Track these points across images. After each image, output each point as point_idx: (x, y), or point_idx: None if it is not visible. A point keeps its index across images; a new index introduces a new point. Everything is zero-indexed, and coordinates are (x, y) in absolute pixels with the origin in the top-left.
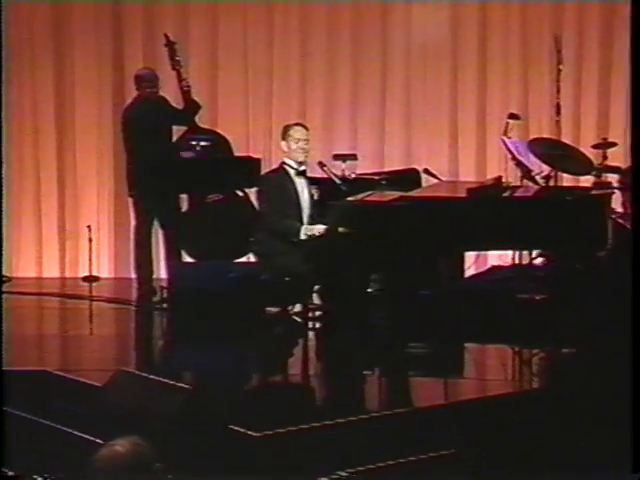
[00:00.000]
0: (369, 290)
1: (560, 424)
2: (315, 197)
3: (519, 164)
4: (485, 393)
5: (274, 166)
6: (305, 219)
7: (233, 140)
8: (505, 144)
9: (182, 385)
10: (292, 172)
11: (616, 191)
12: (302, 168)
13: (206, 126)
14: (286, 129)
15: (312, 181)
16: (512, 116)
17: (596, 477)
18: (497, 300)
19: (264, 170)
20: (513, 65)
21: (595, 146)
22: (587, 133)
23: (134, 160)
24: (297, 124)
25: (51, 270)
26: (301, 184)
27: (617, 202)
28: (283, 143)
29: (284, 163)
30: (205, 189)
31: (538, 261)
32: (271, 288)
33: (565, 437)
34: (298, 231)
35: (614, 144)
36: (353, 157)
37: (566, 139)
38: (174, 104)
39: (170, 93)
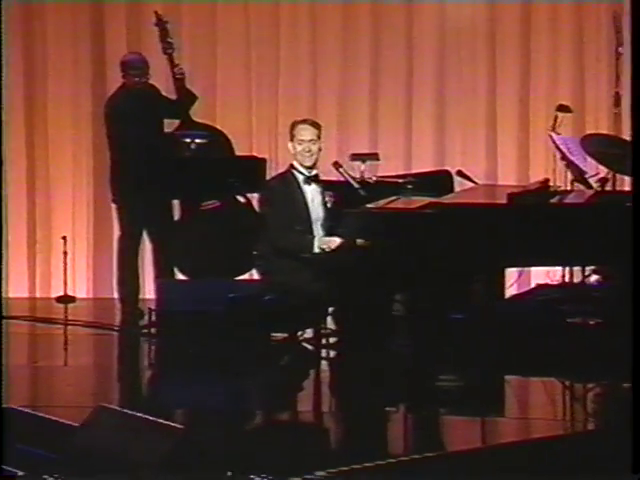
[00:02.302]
0: (392, 313)
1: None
2: (329, 205)
3: (570, 165)
4: (530, 435)
5: (281, 168)
6: (316, 232)
7: (234, 137)
8: (553, 141)
9: (173, 424)
10: (301, 178)
11: None
12: (313, 173)
13: (202, 121)
14: (292, 128)
15: (326, 186)
16: (562, 108)
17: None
18: (544, 325)
19: (270, 172)
20: (562, 48)
21: None
22: None
23: (118, 160)
24: (303, 121)
25: (19, 289)
26: (311, 192)
27: None
28: (290, 144)
29: (292, 167)
30: (201, 194)
31: (592, 279)
32: (278, 310)
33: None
34: (311, 245)
35: None
36: (374, 157)
37: (626, 135)
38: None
39: (160, 82)
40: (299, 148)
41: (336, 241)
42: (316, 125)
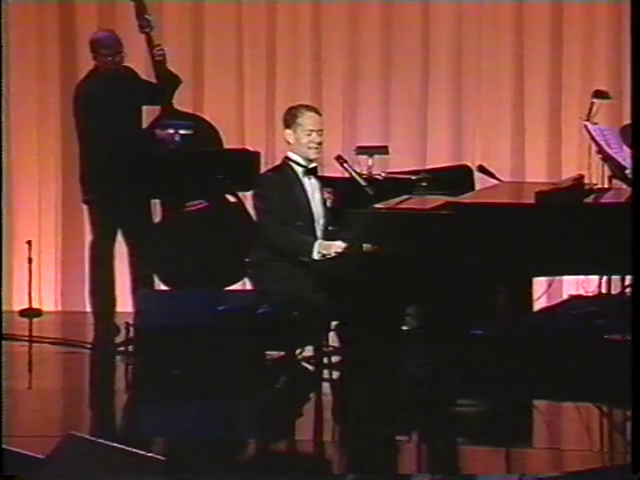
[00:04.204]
0: (403, 328)
1: None
2: (329, 203)
3: (608, 159)
4: (562, 468)
5: (278, 162)
6: (319, 232)
7: (223, 128)
8: (589, 132)
9: (152, 455)
10: (300, 170)
11: None
12: (312, 165)
13: (187, 109)
14: (293, 114)
15: (325, 182)
16: (598, 94)
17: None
18: (577, 342)
19: (264, 168)
20: (598, 26)
21: None
22: None
23: (89, 154)
24: (308, 108)
25: None
26: (311, 186)
27: None
28: (288, 132)
29: (288, 159)
30: (185, 193)
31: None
32: (273, 325)
33: None
34: (311, 248)
35: None
36: (383, 150)
37: None
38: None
39: (141, 67)
40: (305, 139)
41: (339, 246)
42: (319, 112)
